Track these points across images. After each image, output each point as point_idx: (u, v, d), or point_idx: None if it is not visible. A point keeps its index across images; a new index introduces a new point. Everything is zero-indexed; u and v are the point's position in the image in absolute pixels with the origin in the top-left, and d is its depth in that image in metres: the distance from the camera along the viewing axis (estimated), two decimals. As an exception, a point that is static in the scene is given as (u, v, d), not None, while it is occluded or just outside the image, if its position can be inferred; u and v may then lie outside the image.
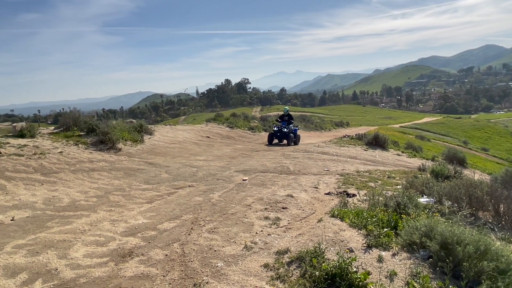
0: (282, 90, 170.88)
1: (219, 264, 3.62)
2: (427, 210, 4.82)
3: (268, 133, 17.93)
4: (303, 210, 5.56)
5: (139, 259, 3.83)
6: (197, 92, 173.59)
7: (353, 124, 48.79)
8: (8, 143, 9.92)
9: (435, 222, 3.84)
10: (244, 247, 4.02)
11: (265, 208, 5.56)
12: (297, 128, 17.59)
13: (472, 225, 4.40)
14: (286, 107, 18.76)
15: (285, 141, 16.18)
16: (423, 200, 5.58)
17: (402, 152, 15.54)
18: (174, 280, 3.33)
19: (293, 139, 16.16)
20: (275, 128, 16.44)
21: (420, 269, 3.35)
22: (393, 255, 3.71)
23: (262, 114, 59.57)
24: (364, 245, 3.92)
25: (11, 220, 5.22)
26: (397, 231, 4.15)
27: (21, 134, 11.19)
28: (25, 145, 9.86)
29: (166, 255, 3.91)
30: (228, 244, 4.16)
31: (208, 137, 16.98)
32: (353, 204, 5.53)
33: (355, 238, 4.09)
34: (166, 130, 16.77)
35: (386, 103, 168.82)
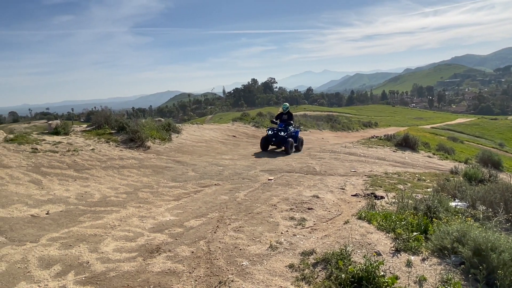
0: (309, 89, 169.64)
1: (244, 263, 3.64)
2: (460, 214, 4.65)
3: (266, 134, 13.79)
4: (329, 211, 5.49)
5: (166, 255, 3.91)
6: (223, 91, 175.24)
7: (381, 124, 47.70)
8: (44, 140, 10.38)
9: (468, 227, 3.69)
10: (269, 247, 4.02)
11: (291, 208, 5.54)
12: (298, 130, 13.81)
13: (508, 232, 4.20)
14: (286, 104, 14.19)
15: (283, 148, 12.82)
16: (455, 204, 5.38)
17: (433, 154, 15.06)
18: (200, 277, 3.38)
19: (294, 145, 12.88)
20: (270, 132, 12.85)
21: (451, 275, 3.23)
22: (423, 260, 3.60)
23: (288, 114, 59.33)
24: (392, 248, 3.83)
25: (46, 214, 5.46)
26: (427, 236, 4.03)
27: (56, 132, 11.68)
28: (59, 142, 10.28)
29: (192, 252, 3.97)
30: (253, 243, 4.17)
31: (234, 136, 17.10)
32: (381, 207, 5.41)
33: (383, 241, 4.00)
34: (193, 129, 17.02)
35: (417, 103, 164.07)
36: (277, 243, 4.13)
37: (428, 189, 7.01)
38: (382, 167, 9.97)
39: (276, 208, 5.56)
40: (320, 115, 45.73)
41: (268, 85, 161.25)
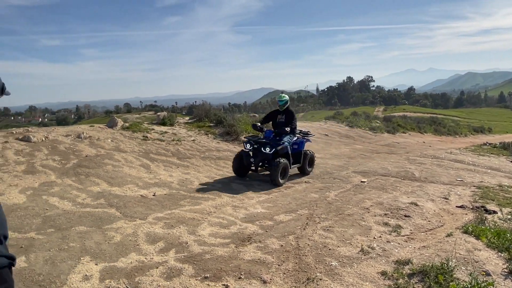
0: (410, 89, 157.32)
1: (333, 263, 3.58)
2: None
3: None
4: (429, 221, 5.06)
5: (257, 245, 4.05)
6: (317, 89, 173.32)
7: (497, 130, 41.96)
8: (153, 129, 11.59)
9: None
10: (360, 251, 3.88)
11: (385, 214, 5.25)
12: (303, 141, 8.26)
13: None
14: (284, 96, 8.05)
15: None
16: None
17: None
18: (288, 270, 3.42)
19: (289, 168, 7.41)
20: (247, 146, 7.47)
21: None
22: (546, 289, 3.10)
23: (385, 114, 56.11)
24: (505, 270, 3.37)
25: (153, 195, 6.09)
26: (553, 261, 3.45)
27: (163, 122, 12.93)
28: (165, 132, 11.36)
29: (282, 245, 4.04)
30: (343, 245, 4.07)
31: (326, 135, 16.82)
32: (492, 222, 4.79)
33: (493, 260, 3.55)
34: (286, 125, 17.21)
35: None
36: (369, 247, 3.96)
37: (556, 208, 5.97)
38: (496, 179, 8.81)
39: (368, 212, 5.33)
40: (421, 117, 42.21)
41: (364, 84, 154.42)
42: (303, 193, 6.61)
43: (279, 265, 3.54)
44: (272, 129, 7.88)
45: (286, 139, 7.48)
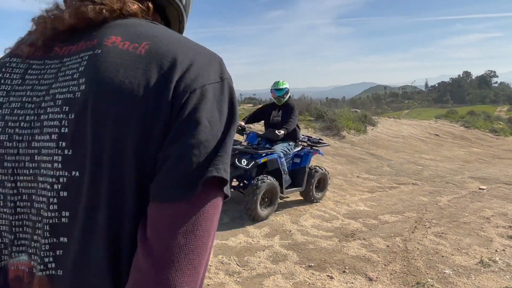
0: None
1: (446, 271, 3.33)
2: None
3: None
4: None
5: (361, 242, 3.99)
6: (426, 85, 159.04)
7: None
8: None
9: None
10: (479, 262, 3.53)
11: (510, 226, 4.65)
12: (310, 152, 5.35)
13: None
14: (283, 83, 5.37)
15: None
16: None
17: None
18: (395, 272, 3.30)
19: (289, 190, 5.01)
20: None
21: None
22: None
23: (510, 115, 48.91)
24: None
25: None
26: None
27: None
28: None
29: (388, 246, 3.90)
30: (458, 254, 3.74)
31: (436, 135, 15.42)
32: None
33: None
34: (390, 123, 16.28)
35: None
36: (489, 260, 3.58)
37: None
38: None
39: (489, 222, 4.79)
40: None
41: (484, 80, 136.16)
42: (410, 195, 6.23)
43: (385, 265, 3.44)
44: (254, 134, 5.34)
45: (279, 147, 4.98)
